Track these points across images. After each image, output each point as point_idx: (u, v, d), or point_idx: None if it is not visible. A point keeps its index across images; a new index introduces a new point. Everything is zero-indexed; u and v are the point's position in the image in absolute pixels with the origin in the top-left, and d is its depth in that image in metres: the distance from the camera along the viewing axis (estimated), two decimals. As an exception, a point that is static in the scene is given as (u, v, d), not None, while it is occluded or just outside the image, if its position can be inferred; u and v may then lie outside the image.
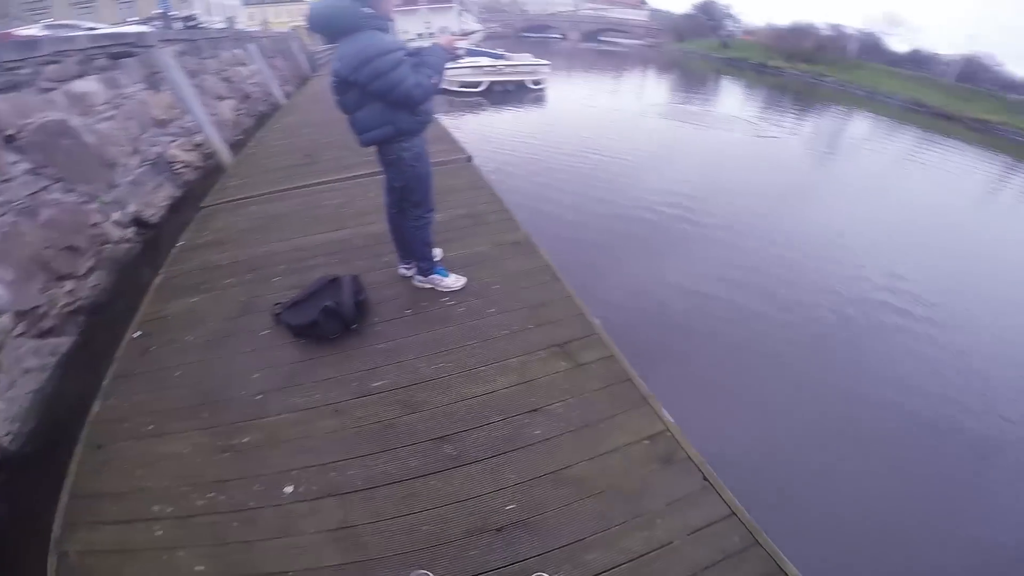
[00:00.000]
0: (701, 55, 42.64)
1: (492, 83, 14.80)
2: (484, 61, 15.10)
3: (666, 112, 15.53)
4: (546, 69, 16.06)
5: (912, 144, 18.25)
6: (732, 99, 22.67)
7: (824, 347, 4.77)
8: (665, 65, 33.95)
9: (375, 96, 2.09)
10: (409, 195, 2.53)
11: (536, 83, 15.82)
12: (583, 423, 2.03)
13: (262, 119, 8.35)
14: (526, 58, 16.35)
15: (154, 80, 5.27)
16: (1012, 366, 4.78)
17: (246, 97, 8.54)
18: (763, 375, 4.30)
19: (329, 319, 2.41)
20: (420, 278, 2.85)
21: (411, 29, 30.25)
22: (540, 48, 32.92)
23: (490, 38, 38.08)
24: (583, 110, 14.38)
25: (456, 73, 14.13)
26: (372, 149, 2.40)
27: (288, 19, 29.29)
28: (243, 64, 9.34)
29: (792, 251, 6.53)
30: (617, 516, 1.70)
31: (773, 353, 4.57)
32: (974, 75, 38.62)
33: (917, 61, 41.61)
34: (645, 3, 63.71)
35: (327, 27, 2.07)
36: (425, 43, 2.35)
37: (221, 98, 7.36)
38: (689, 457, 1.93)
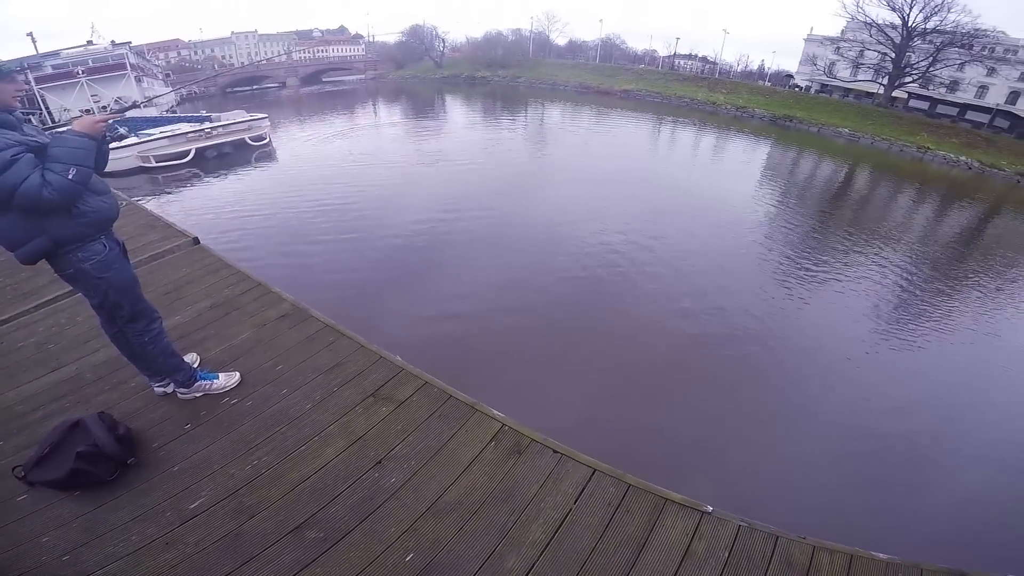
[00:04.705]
0: (421, 79, 46.27)
1: (201, 149, 13.25)
2: (184, 127, 13.40)
3: (401, 141, 16.19)
4: (265, 123, 15.09)
5: (592, 119, 23.88)
6: (457, 115, 25.28)
7: (599, 300, 5.83)
8: (391, 94, 35.42)
9: None
10: (116, 311, 2.11)
11: (258, 139, 14.78)
12: (431, 452, 2.07)
13: None
14: (238, 115, 15.15)
15: None
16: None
17: None
18: (566, 344, 4.91)
19: (92, 463, 2.06)
20: (183, 391, 2.43)
21: (73, 107, 24.40)
22: (256, 101, 30.56)
23: (189, 100, 33.78)
24: (319, 158, 13.89)
25: (149, 147, 12.15)
26: None
27: None
28: None
29: (539, 234, 7.80)
30: (507, 518, 1.78)
31: (564, 324, 5.25)
32: (610, 54, 52.35)
33: (573, 50, 54.05)
34: (362, 37, 65.08)
35: None
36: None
37: None
38: (534, 440, 2.15)
